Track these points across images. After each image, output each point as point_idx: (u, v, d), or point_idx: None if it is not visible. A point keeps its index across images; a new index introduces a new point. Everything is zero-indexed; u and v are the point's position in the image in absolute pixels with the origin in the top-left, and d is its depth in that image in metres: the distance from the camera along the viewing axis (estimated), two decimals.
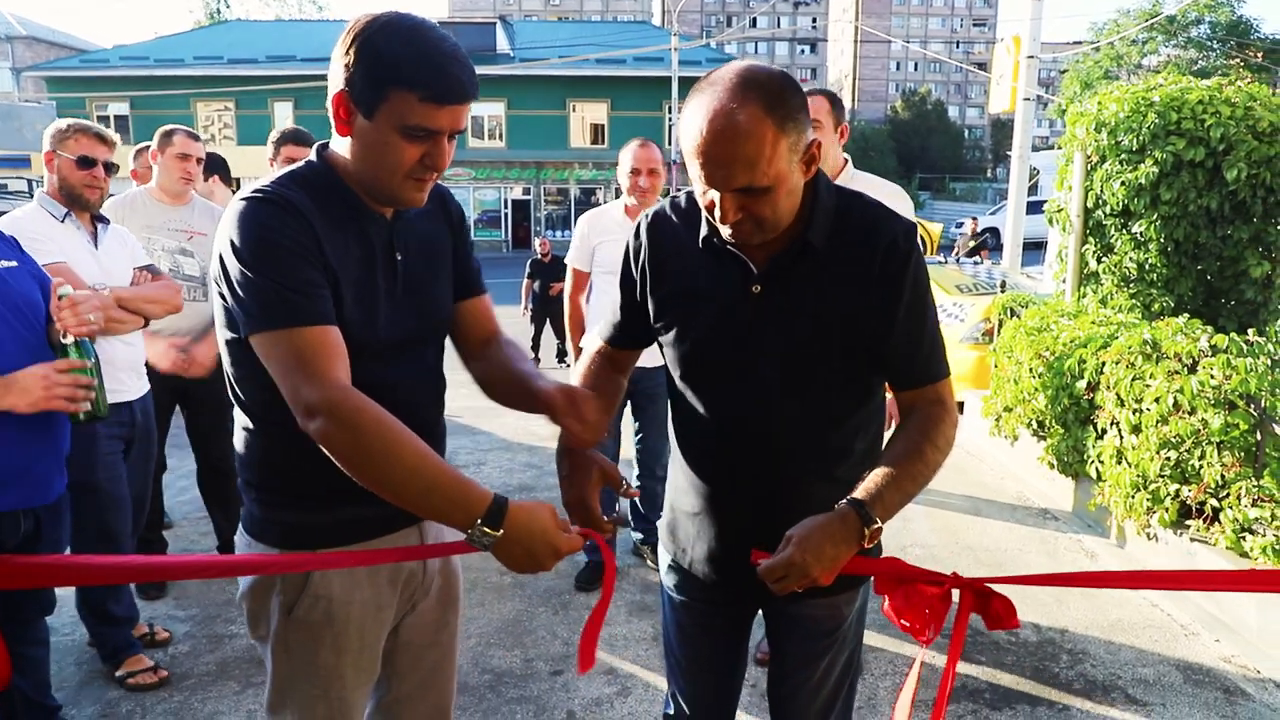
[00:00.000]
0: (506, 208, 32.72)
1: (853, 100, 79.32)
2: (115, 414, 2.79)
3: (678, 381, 1.60)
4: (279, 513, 1.48)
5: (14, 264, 2.16)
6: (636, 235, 1.61)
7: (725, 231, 1.42)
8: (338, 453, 1.28)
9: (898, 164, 51.34)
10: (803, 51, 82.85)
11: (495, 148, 32.39)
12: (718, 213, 1.38)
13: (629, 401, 4.84)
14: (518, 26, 37.94)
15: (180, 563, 1.83)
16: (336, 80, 1.35)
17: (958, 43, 79.24)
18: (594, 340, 1.75)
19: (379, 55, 1.31)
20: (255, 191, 1.38)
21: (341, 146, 1.42)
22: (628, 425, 3.91)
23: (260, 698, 2.75)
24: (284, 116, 31.71)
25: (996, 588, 1.47)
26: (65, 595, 3.07)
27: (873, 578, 1.57)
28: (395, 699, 1.66)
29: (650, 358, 1.79)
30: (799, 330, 1.46)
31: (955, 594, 1.48)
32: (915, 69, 72.72)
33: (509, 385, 1.60)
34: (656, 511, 3.78)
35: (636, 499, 3.78)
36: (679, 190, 1.65)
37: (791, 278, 1.46)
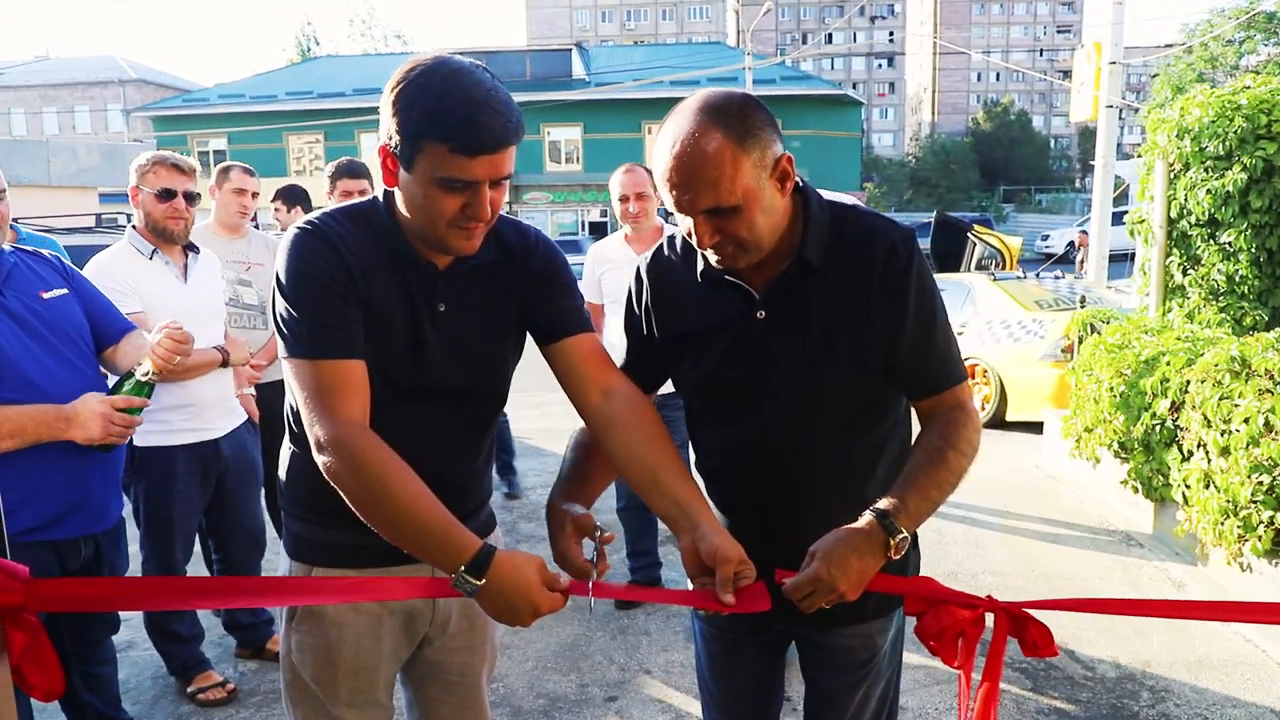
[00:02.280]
0: (584, 230, 33.14)
1: (932, 113, 77.98)
2: (198, 451, 2.91)
3: (696, 415, 1.60)
4: (294, 524, 1.55)
5: (64, 291, 2.26)
6: (638, 278, 1.62)
7: (712, 257, 1.42)
8: (340, 487, 1.32)
9: (980, 176, 50.16)
10: (880, 66, 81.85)
11: (572, 171, 32.87)
12: (693, 238, 1.39)
13: None
14: (593, 51, 38.53)
15: (214, 587, 1.87)
16: (382, 132, 1.36)
17: (1041, 50, 77.14)
18: None
19: (412, 108, 1.30)
20: (306, 222, 1.42)
21: (397, 193, 1.42)
22: None
23: None
24: (370, 147, 32.77)
25: (1037, 613, 1.39)
26: (140, 613, 3.19)
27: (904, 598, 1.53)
28: None
29: None
30: (808, 349, 1.44)
31: (990, 617, 1.41)
32: (997, 79, 71.17)
33: (652, 481, 1.43)
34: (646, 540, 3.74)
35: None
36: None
37: (794, 298, 1.45)
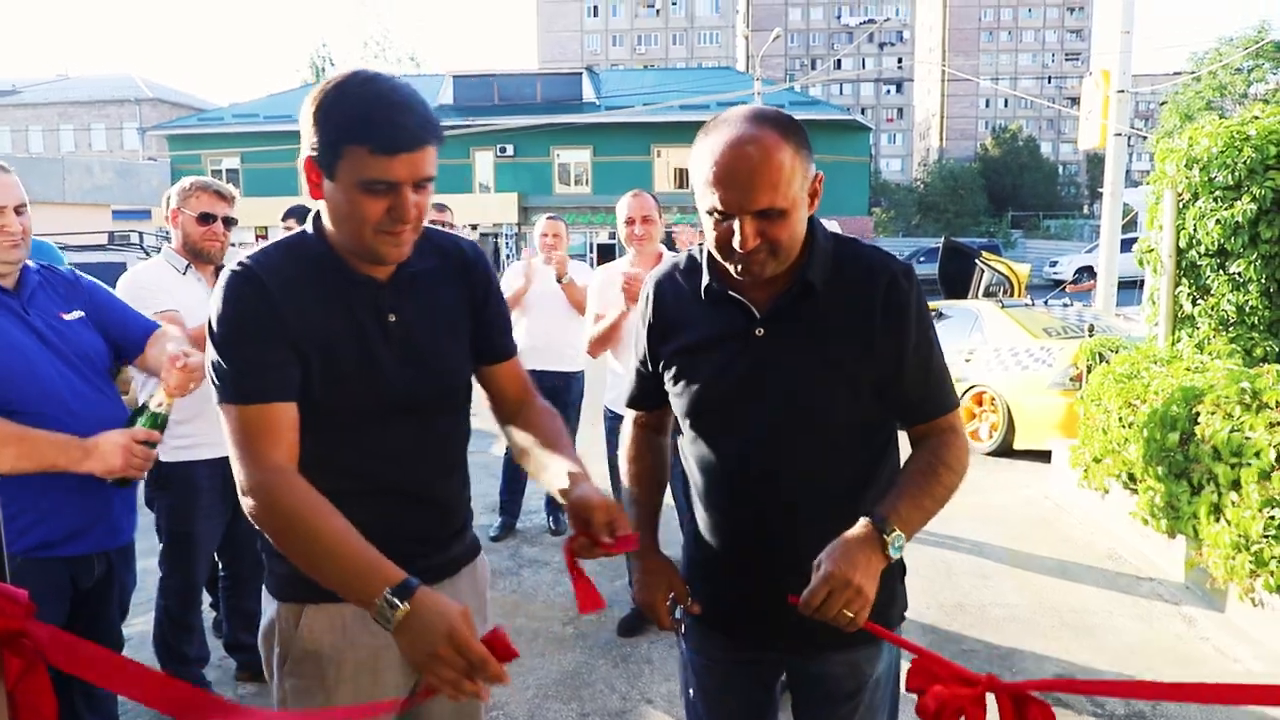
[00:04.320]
0: (592, 252, 33.24)
1: (941, 139, 78.25)
2: (220, 466, 2.88)
3: (687, 432, 1.60)
4: (275, 562, 1.50)
5: (80, 314, 2.28)
6: (644, 299, 1.65)
7: (737, 267, 1.43)
8: (264, 530, 1.35)
9: (988, 202, 50.21)
10: (888, 91, 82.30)
11: (581, 193, 33.01)
12: (736, 239, 1.38)
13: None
14: (603, 75, 38.81)
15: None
16: (304, 146, 1.38)
17: (1049, 78, 77.46)
18: (627, 414, 1.78)
19: (330, 115, 1.33)
20: (237, 264, 1.42)
21: (323, 210, 1.43)
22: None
23: None
24: None
25: (1048, 693, 1.36)
26: (145, 632, 3.18)
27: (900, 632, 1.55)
28: None
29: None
30: (803, 371, 1.47)
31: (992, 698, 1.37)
32: (1005, 105, 71.46)
33: (542, 464, 1.54)
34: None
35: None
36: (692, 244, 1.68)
37: (794, 317, 1.48)
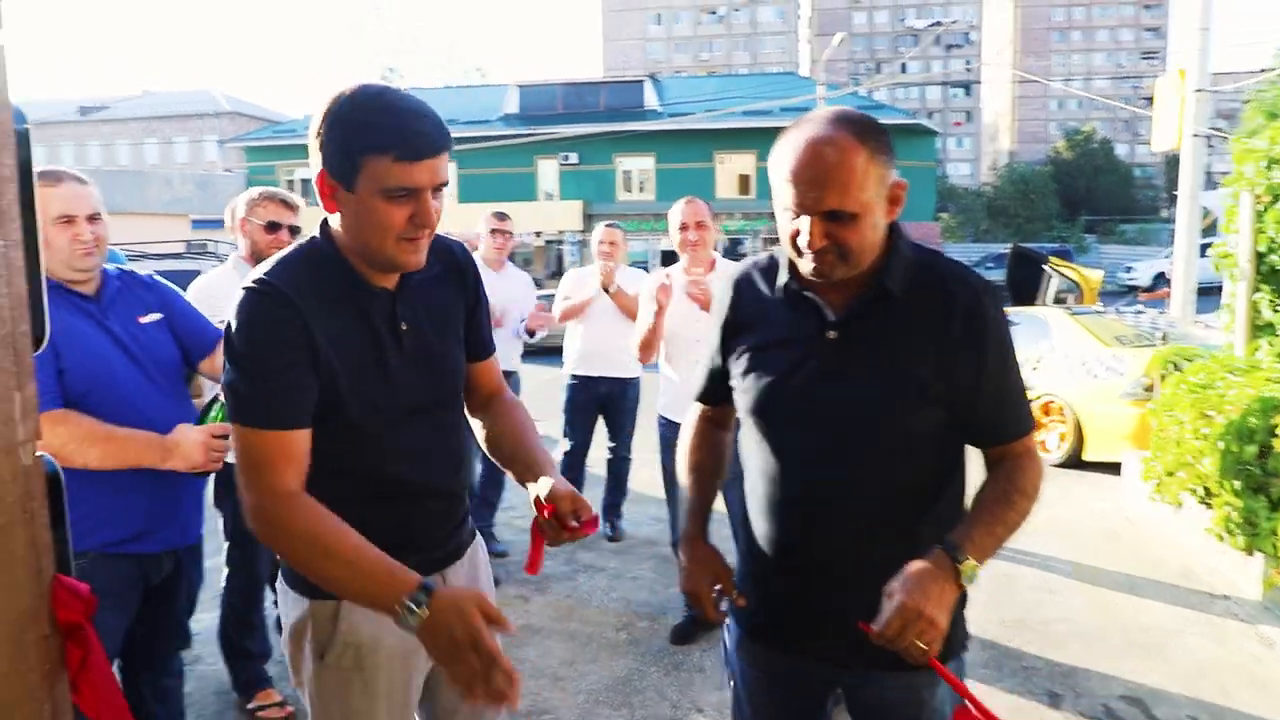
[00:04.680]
0: (655, 259, 33.32)
1: (1011, 141, 76.45)
2: None
3: (749, 431, 1.58)
4: None
5: (159, 317, 2.37)
6: (722, 292, 1.65)
7: (806, 266, 1.43)
8: (275, 550, 1.43)
9: (1061, 206, 48.87)
10: (955, 94, 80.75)
11: (644, 200, 33.10)
12: (803, 239, 1.39)
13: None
14: (666, 82, 38.90)
15: None
16: (315, 161, 1.40)
17: (1125, 77, 75.10)
18: (693, 405, 1.79)
19: (347, 127, 1.35)
20: (255, 281, 1.43)
21: (337, 222, 1.46)
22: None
23: None
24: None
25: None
26: (212, 627, 3.28)
27: (955, 666, 1.52)
28: None
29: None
30: (872, 378, 1.44)
31: None
32: (1079, 106, 69.41)
33: (512, 455, 1.63)
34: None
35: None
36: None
37: (868, 323, 1.46)
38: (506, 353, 4.72)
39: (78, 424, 2.06)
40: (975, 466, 1.54)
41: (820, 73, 29.62)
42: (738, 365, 1.58)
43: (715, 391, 1.69)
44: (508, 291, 4.62)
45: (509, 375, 4.77)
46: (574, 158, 32.73)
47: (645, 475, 6.17)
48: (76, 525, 2.12)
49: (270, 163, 33.61)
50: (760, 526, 1.58)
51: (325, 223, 1.50)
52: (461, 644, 1.22)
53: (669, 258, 31.08)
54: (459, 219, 4.68)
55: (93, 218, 2.20)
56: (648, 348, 3.66)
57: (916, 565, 1.34)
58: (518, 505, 5.77)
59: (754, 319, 1.58)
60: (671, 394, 3.66)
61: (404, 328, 1.51)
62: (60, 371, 2.10)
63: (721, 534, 3.68)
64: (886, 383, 1.43)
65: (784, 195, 1.40)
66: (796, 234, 1.41)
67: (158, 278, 2.53)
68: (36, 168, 2.37)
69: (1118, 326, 7.35)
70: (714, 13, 78.80)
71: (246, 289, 1.42)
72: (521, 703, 3.17)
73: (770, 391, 1.51)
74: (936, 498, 1.50)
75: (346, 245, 1.47)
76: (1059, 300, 9.39)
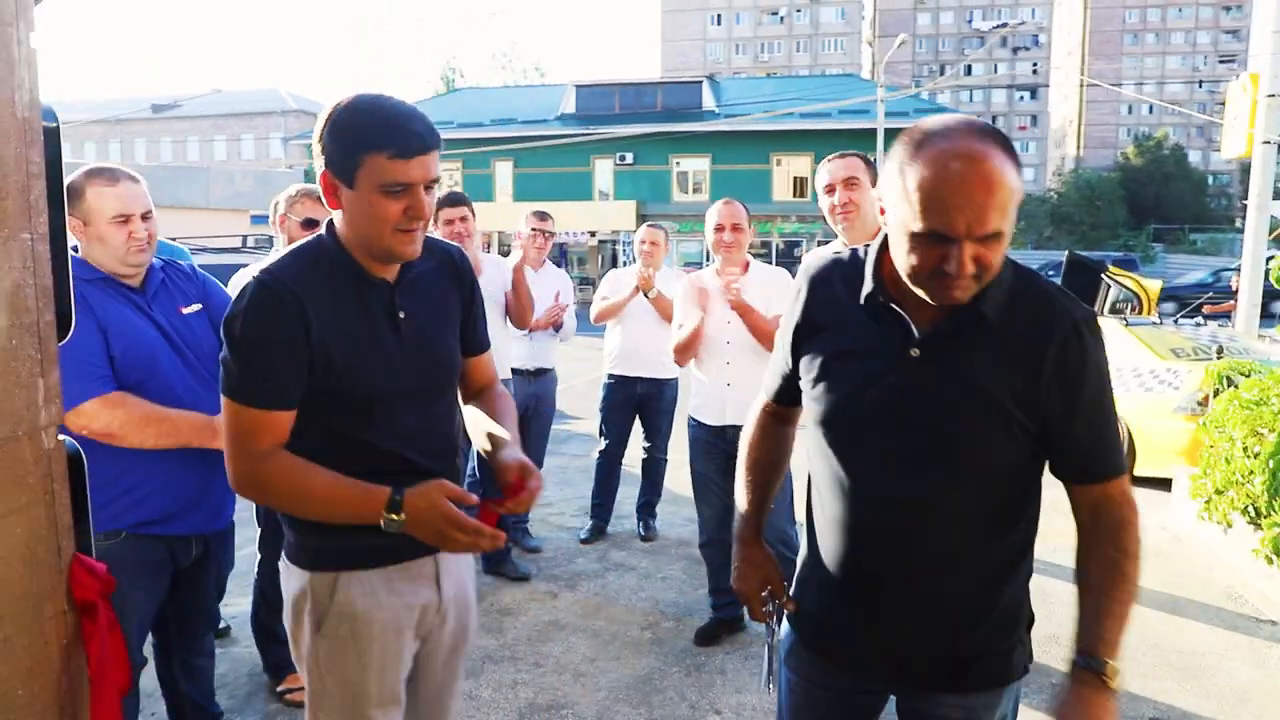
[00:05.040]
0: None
1: (1078, 147, 74.53)
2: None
3: (818, 440, 1.53)
4: (309, 538, 1.65)
5: (198, 307, 2.46)
6: (799, 286, 1.59)
7: (935, 294, 1.33)
8: (266, 505, 1.65)
9: (1128, 214, 47.50)
10: (1021, 98, 78.99)
11: (699, 201, 33.05)
12: (952, 264, 1.28)
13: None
14: (724, 83, 38.80)
15: None
16: (318, 163, 1.55)
17: (1200, 82, 72.65)
18: (759, 398, 1.76)
19: (346, 130, 1.50)
20: (261, 273, 1.57)
21: (339, 220, 1.60)
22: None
23: None
24: (504, 174, 34.06)
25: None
26: (246, 612, 3.38)
27: (1017, 687, 1.53)
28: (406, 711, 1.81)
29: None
30: (953, 401, 1.38)
31: None
32: (1150, 111, 67.31)
33: (481, 428, 1.80)
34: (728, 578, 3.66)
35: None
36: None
37: (954, 346, 1.39)
38: (543, 350, 4.78)
39: (134, 406, 2.18)
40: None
41: (880, 74, 29.25)
42: (809, 371, 1.53)
43: (784, 391, 1.66)
44: (546, 291, 4.66)
45: (545, 372, 4.83)
46: (629, 158, 32.81)
47: (681, 476, 6.17)
48: (109, 506, 2.24)
49: None
50: (825, 538, 1.55)
51: (331, 222, 1.64)
52: (443, 530, 1.49)
53: None
54: (514, 218, 4.75)
55: (145, 215, 2.31)
56: (685, 351, 3.66)
57: (1071, 695, 1.32)
58: (554, 502, 5.83)
59: (830, 324, 1.51)
60: (703, 396, 3.67)
61: (402, 316, 1.63)
62: (111, 359, 2.20)
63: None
64: (967, 408, 1.37)
65: (926, 219, 1.26)
66: (936, 260, 1.29)
67: (198, 268, 2.63)
68: (108, 163, 2.49)
69: (1174, 338, 7.13)
70: (774, 13, 78.28)
71: (254, 280, 1.56)
72: (542, 697, 3.23)
73: (844, 404, 1.47)
74: (1010, 526, 1.45)
75: (349, 240, 1.60)
76: (1115, 310, 9.14)
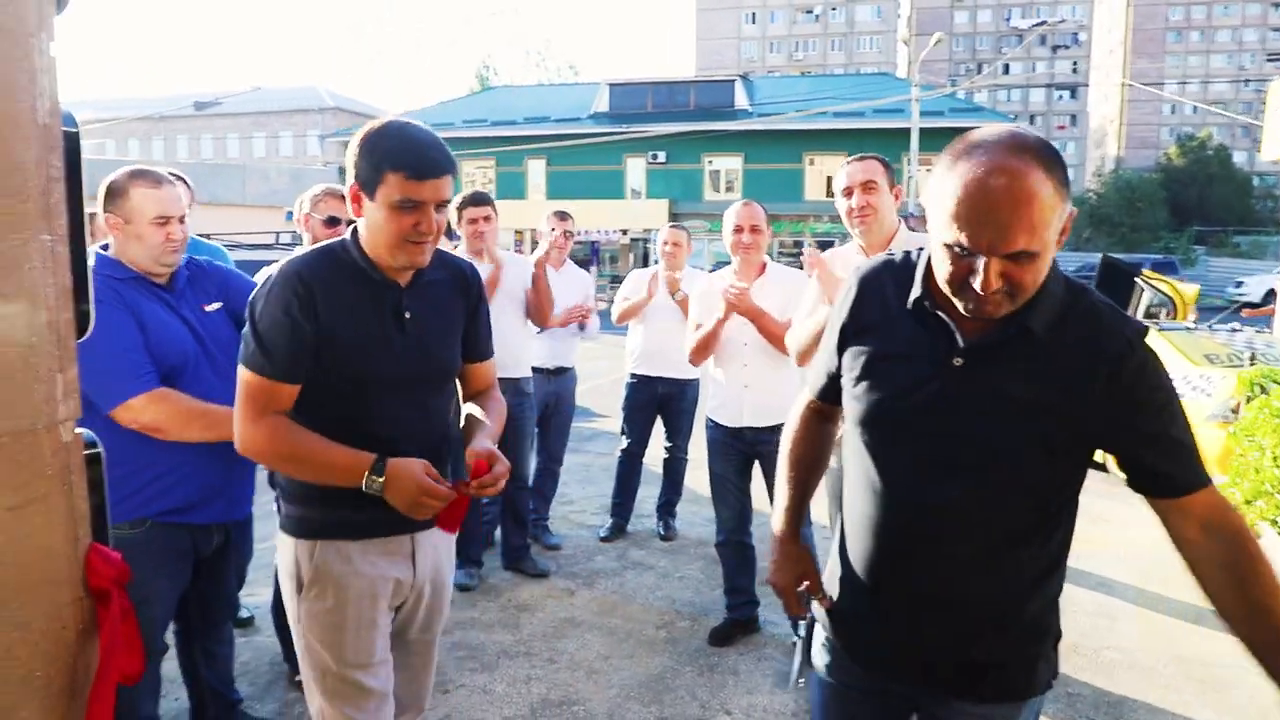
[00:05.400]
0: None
1: (1118, 147, 73.26)
2: None
3: (854, 441, 1.54)
4: (297, 509, 1.86)
5: (219, 306, 2.53)
6: (849, 286, 1.60)
7: (968, 307, 1.34)
8: (269, 466, 1.86)
9: (1170, 216, 46.59)
10: (1060, 97, 77.76)
11: (732, 200, 32.61)
12: (977, 280, 1.28)
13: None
14: (757, 82, 38.63)
15: None
16: (349, 177, 1.76)
17: (1247, 80, 71.01)
18: (803, 394, 1.78)
19: (374, 149, 1.72)
20: (287, 263, 1.79)
21: (362, 226, 1.81)
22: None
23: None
24: (537, 172, 34.23)
25: None
26: (267, 601, 3.46)
27: (1039, 702, 1.53)
28: None
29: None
30: (989, 412, 1.38)
31: None
32: (1194, 111, 65.92)
33: (464, 418, 2.02)
34: (744, 577, 3.76)
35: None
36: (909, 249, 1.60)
37: (999, 358, 1.38)
38: (564, 349, 4.82)
39: (176, 401, 2.27)
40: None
41: (915, 73, 28.97)
42: (852, 370, 1.53)
43: (828, 389, 1.67)
44: (566, 290, 4.70)
45: (564, 371, 4.86)
46: (662, 156, 32.81)
47: (702, 476, 6.17)
48: (136, 495, 2.31)
49: None
50: (856, 538, 1.56)
51: (355, 228, 1.85)
52: (416, 497, 1.68)
53: None
54: (546, 216, 4.79)
55: (182, 218, 2.41)
56: (701, 353, 3.67)
57: None
58: (576, 500, 5.88)
59: (876, 325, 1.51)
60: (720, 397, 3.68)
61: (407, 316, 1.83)
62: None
63: (763, 533, 3.63)
64: (1003, 420, 1.37)
65: (952, 233, 1.27)
66: (965, 272, 1.30)
67: (216, 263, 2.70)
68: (148, 164, 2.57)
69: (1209, 344, 7.01)
70: (809, 11, 77.80)
71: (278, 271, 1.78)
72: (554, 693, 3.26)
73: (883, 406, 1.47)
74: (1039, 540, 1.44)
75: (368, 244, 1.81)
76: (1150, 315, 8.99)
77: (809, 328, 2.86)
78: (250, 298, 1.79)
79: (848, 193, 2.90)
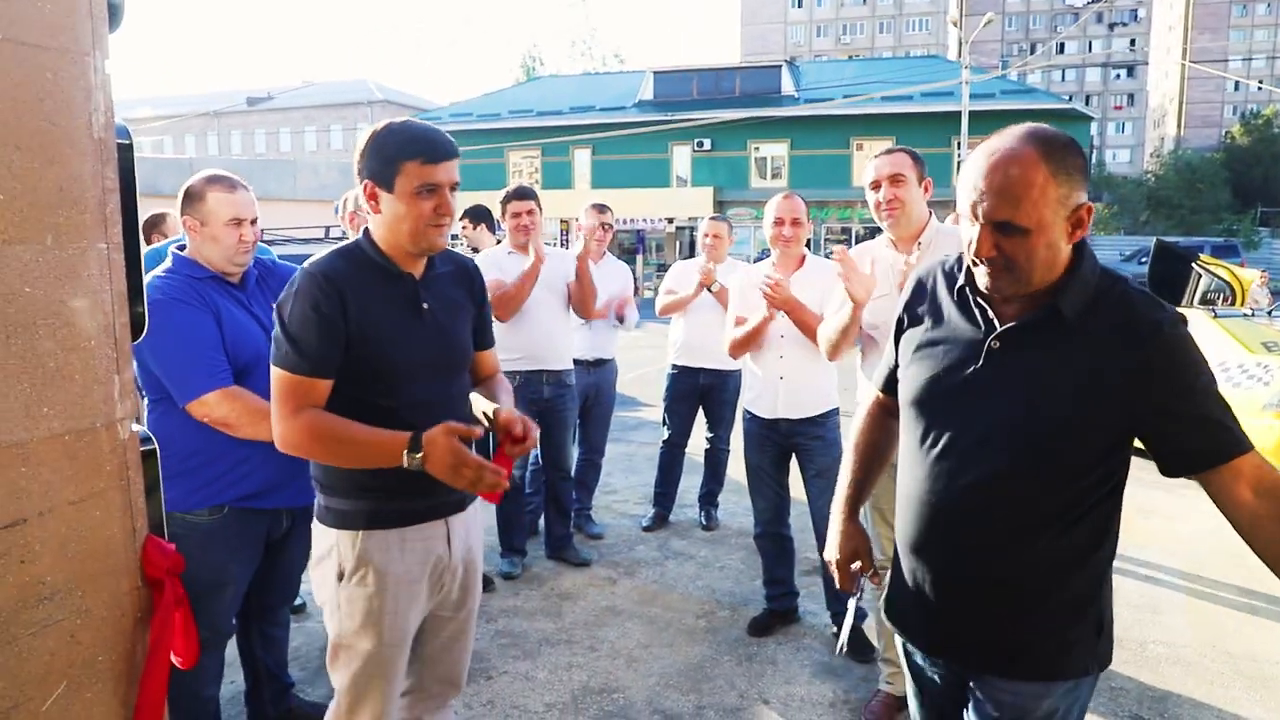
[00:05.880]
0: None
1: (1178, 126, 71.00)
2: None
3: (904, 421, 1.68)
4: (338, 501, 1.93)
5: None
6: (905, 290, 1.74)
7: (980, 277, 1.48)
8: (312, 458, 1.89)
9: (1232, 197, 45.06)
10: (1117, 76, 75.56)
11: (778, 187, 32.63)
12: (974, 246, 1.45)
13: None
14: (804, 67, 38.22)
15: None
16: (364, 175, 1.86)
17: None
18: (869, 390, 1.90)
19: (385, 144, 1.84)
20: (310, 265, 1.87)
21: (376, 224, 1.91)
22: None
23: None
24: (583, 161, 34.32)
25: None
26: None
27: (1076, 685, 1.54)
28: (419, 659, 2.09)
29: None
30: (1026, 395, 1.46)
31: None
32: (1259, 87, 63.68)
33: (480, 397, 2.11)
34: (782, 568, 3.80)
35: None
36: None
37: (1033, 342, 1.47)
38: (603, 341, 4.87)
39: (247, 400, 2.39)
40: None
41: (965, 55, 28.38)
42: (904, 356, 1.68)
43: (890, 381, 1.79)
44: (606, 282, 4.74)
45: (605, 362, 4.91)
46: (708, 144, 32.66)
47: (743, 467, 6.21)
48: (215, 482, 2.45)
49: None
50: (902, 519, 1.66)
51: (367, 229, 1.95)
52: (454, 465, 1.71)
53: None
54: (585, 209, 4.85)
55: (254, 220, 2.53)
56: (742, 348, 3.67)
57: None
58: (619, 489, 5.94)
59: (926, 315, 1.65)
60: (756, 389, 3.69)
61: (425, 306, 1.95)
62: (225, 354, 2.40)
63: (801, 524, 3.68)
64: (1037, 402, 1.45)
65: (963, 202, 1.46)
66: (968, 240, 1.48)
67: (277, 261, 2.81)
68: (205, 160, 2.69)
69: (1268, 332, 6.81)
70: None
71: (302, 272, 1.86)
72: (595, 680, 3.33)
73: (926, 385, 1.59)
74: (1071, 523, 1.48)
75: (384, 241, 1.91)
76: (1207, 301, 8.75)
77: (835, 323, 2.89)
78: (278, 301, 1.86)
79: (875, 186, 2.90)
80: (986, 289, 1.49)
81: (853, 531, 1.82)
